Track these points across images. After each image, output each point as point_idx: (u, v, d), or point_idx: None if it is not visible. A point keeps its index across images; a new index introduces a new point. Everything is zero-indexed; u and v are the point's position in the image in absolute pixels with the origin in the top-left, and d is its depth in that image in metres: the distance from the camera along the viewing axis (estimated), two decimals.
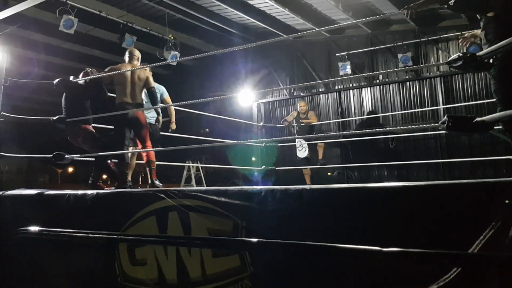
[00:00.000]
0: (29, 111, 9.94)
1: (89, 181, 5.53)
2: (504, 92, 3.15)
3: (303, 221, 2.60)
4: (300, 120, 9.02)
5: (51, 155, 4.86)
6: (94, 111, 5.49)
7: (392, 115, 10.03)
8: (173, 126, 6.77)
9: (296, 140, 9.05)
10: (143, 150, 5.63)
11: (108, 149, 5.28)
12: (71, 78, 5.37)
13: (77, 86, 5.42)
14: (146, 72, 5.67)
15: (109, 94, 5.72)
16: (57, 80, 5.23)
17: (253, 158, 10.21)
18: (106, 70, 5.56)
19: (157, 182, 5.50)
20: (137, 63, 5.77)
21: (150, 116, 6.18)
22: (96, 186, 5.44)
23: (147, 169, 5.79)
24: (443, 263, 1.94)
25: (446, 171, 9.19)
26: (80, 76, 5.57)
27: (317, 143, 8.96)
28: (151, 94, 5.71)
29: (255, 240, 2.52)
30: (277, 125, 11.03)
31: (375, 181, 9.51)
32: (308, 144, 8.90)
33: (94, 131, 5.49)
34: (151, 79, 5.71)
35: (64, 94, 5.51)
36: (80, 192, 3.87)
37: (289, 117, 9.38)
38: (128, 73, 5.49)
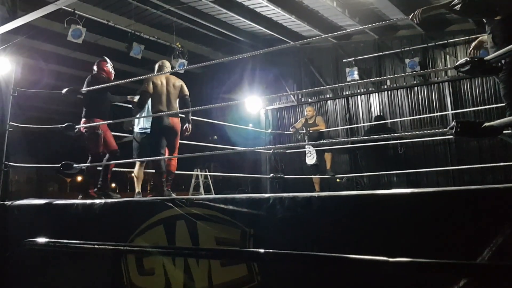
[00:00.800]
0: (37, 120, 10.05)
1: (97, 188, 5.54)
2: None
3: (312, 229, 2.57)
4: (309, 128, 8.98)
5: (59, 165, 4.88)
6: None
7: (400, 120, 9.97)
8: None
9: (306, 146, 9.02)
10: (147, 159, 5.64)
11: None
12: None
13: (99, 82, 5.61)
14: (180, 81, 5.87)
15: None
16: (65, 89, 5.27)
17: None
18: (145, 81, 5.66)
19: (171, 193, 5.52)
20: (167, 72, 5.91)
21: (140, 128, 6.22)
22: (88, 195, 5.49)
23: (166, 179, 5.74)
24: (451, 273, 1.91)
25: (456, 176, 9.10)
26: (95, 67, 5.91)
27: (324, 151, 8.91)
28: (187, 102, 5.81)
29: (262, 251, 2.49)
30: (285, 132, 11.01)
31: (385, 187, 9.44)
32: (316, 151, 8.86)
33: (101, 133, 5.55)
34: (185, 87, 5.88)
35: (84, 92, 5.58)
36: (88, 201, 3.88)
37: (298, 124, 9.36)
38: (164, 83, 5.66)
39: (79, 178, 25.39)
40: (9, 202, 4.45)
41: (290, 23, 10.12)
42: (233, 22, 10.12)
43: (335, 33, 8.61)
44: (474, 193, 2.19)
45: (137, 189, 6.20)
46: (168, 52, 10.21)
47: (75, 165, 4.85)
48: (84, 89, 5.45)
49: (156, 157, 5.42)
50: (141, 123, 6.22)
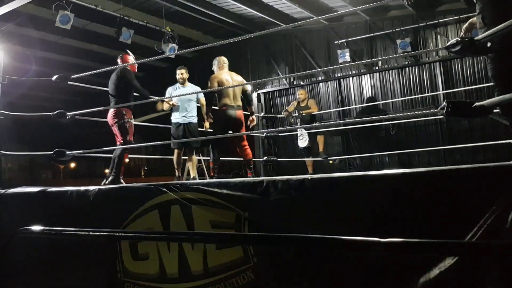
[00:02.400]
0: (27, 108, 9.95)
1: (109, 182, 5.58)
2: (502, 77, 3.12)
3: (306, 211, 2.60)
4: (301, 112, 8.98)
5: (52, 152, 4.86)
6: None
7: (392, 101, 10.01)
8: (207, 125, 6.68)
9: (298, 129, 9.04)
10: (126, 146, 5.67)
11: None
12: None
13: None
14: (240, 77, 6.35)
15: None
16: (55, 76, 5.23)
17: None
18: (210, 80, 6.11)
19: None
20: (227, 69, 6.31)
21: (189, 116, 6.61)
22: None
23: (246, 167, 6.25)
24: (442, 253, 1.95)
25: (448, 156, 9.18)
26: (119, 61, 6.05)
27: (317, 134, 8.94)
28: (248, 96, 6.37)
29: (257, 234, 2.52)
30: (278, 115, 11.01)
31: (377, 168, 9.52)
32: (308, 133, 8.88)
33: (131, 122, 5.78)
34: (244, 81, 6.42)
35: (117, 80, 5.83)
36: (82, 188, 3.88)
37: (290, 107, 9.35)
38: (229, 78, 6.10)
39: (73, 165, 25.33)
40: (3, 190, 4.44)
41: (280, 5, 10.04)
42: (223, 5, 10.02)
43: (326, 15, 8.54)
44: (464, 172, 2.21)
45: (177, 174, 6.58)
46: (158, 36, 10.10)
47: (67, 152, 4.83)
48: (113, 82, 5.81)
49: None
50: (175, 116, 6.60)
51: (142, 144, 5.77)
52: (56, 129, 12.18)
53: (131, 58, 6.12)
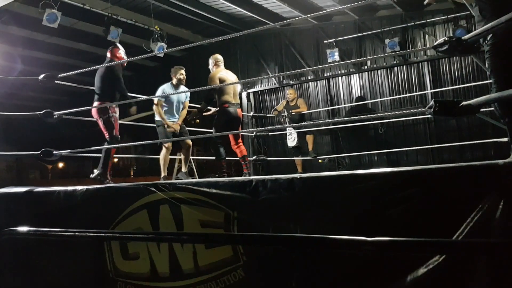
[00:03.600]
0: (14, 107, 9.84)
1: (96, 175, 5.54)
2: (500, 74, 3.09)
3: (295, 210, 2.61)
4: (290, 111, 9.00)
5: (39, 152, 4.81)
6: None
7: (381, 101, 10.07)
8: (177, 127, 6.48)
9: (287, 128, 9.05)
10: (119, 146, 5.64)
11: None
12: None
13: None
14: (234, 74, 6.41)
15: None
16: (42, 75, 5.17)
17: None
18: (212, 78, 6.11)
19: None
20: (223, 66, 6.35)
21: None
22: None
23: (242, 163, 6.28)
24: (428, 251, 1.97)
25: (436, 154, 9.26)
26: (108, 54, 5.99)
27: (306, 133, 8.97)
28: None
29: (246, 234, 2.52)
30: (268, 115, 11.02)
31: (366, 167, 9.58)
32: (297, 132, 8.90)
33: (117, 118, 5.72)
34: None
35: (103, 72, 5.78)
36: (70, 188, 3.84)
37: (279, 106, 9.37)
38: (228, 76, 6.15)
39: (61, 165, 25.13)
40: None
41: (270, 4, 10.05)
42: (212, 3, 10.00)
43: (315, 14, 8.57)
44: (452, 170, 2.23)
45: (163, 173, 6.40)
46: (146, 35, 10.06)
47: (55, 152, 4.78)
48: (100, 68, 5.76)
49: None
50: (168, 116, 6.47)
51: (131, 143, 5.74)
52: (44, 128, 12.06)
53: (120, 52, 6.06)
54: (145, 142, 5.71)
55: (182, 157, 6.65)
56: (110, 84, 5.74)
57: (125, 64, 6.10)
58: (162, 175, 6.38)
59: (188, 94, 6.51)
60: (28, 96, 14.42)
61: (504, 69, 3.06)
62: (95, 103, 5.70)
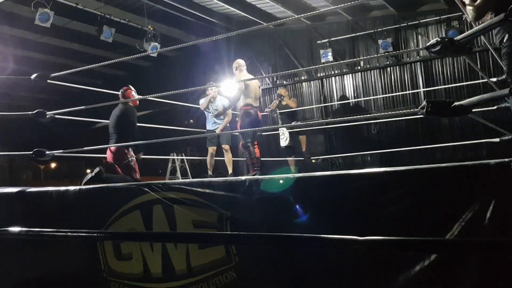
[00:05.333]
0: (6, 107, 9.78)
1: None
2: None
3: (288, 210, 2.61)
4: (283, 110, 8.97)
5: (31, 152, 4.78)
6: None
7: (374, 100, 10.11)
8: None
9: (280, 129, 9.04)
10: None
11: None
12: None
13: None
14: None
15: None
16: (34, 75, 5.13)
17: None
18: (239, 82, 6.49)
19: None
20: (246, 70, 6.75)
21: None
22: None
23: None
24: (421, 250, 1.98)
25: (428, 154, 9.31)
26: (121, 97, 5.96)
27: (298, 133, 8.96)
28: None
29: (239, 233, 2.52)
30: (261, 114, 11.00)
31: (359, 167, 9.60)
32: (290, 132, 8.89)
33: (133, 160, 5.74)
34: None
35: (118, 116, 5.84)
36: (62, 188, 3.82)
37: (273, 104, 9.35)
38: (252, 81, 6.55)
39: (53, 165, 24.96)
40: None
41: (263, 5, 10.06)
42: (206, 4, 10.00)
43: (309, 14, 8.61)
44: (444, 170, 2.24)
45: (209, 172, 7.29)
46: (140, 35, 10.02)
47: (47, 152, 4.75)
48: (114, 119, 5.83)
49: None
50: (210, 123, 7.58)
51: (124, 144, 5.68)
52: (37, 128, 12.00)
53: (133, 93, 6.03)
54: (140, 142, 5.69)
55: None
56: (126, 128, 5.75)
57: (138, 104, 6.16)
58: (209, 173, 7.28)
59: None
60: (20, 95, 14.30)
61: None
62: (112, 148, 5.68)
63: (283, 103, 9.04)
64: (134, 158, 5.75)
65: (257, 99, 6.62)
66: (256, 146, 6.61)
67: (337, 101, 10.66)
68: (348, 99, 10.55)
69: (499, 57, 3.42)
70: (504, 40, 3.11)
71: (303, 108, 10.50)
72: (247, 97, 6.44)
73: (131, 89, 6.10)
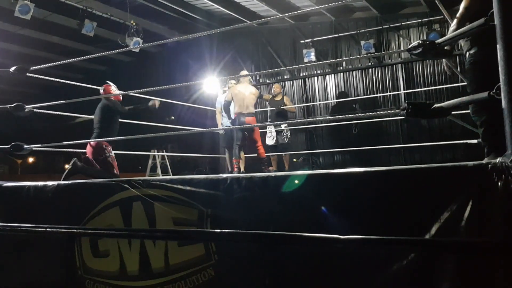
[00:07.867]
0: None
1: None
2: (477, 83, 3.13)
3: (268, 208, 2.61)
4: (279, 106, 8.83)
5: (9, 146, 4.68)
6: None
7: (355, 101, 10.19)
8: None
9: (267, 127, 8.98)
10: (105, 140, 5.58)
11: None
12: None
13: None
14: (255, 89, 7.75)
15: None
16: (13, 68, 5.03)
17: None
18: (228, 90, 7.73)
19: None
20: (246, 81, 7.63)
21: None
22: None
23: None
24: (400, 249, 2.01)
25: (407, 155, 9.44)
26: (102, 92, 6.00)
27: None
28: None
29: (219, 231, 2.51)
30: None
31: (339, 166, 9.66)
32: (276, 131, 8.86)
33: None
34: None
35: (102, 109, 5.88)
36: (40, 183, 3.76)
37: (266, 95, 9.19)
38: (242, 91, 7.39)
39: (31, 160, 24.52)
40: None
41: (247, 3, 10.06)
42: (189, 0, 9.94)
43: (292, 13, 8.62)
44: (423, 171, 2.28)
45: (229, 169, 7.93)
46: (122, 30, 9.91)
47: (25, 146, 4.66)
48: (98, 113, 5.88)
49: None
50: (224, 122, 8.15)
51: (111, 138, 5.66)
52: (14, 122, 11.76)
53: (113, 88, 6.08)
54: (122, 137, 5.63)
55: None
56: (110, 122, 5.80)
57: (121, 98, 6.20)
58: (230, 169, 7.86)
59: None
60: (0, 88, 14.04)
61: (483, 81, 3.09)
62: (92, 142, 5.71)
63: (277, 98, 8.88)
64: (113, 154, 5.78)
65: (249, 107, 7.30)
66: (260, 146, 7.37)
67: (319, 101, 10.72)
68: (330, 99, 10.61)
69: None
70: (471, 52, 3.16)
71: (286, 107, 10.49)
72: (235, 105, 7.36)
73: (110, 85, 6.13)
